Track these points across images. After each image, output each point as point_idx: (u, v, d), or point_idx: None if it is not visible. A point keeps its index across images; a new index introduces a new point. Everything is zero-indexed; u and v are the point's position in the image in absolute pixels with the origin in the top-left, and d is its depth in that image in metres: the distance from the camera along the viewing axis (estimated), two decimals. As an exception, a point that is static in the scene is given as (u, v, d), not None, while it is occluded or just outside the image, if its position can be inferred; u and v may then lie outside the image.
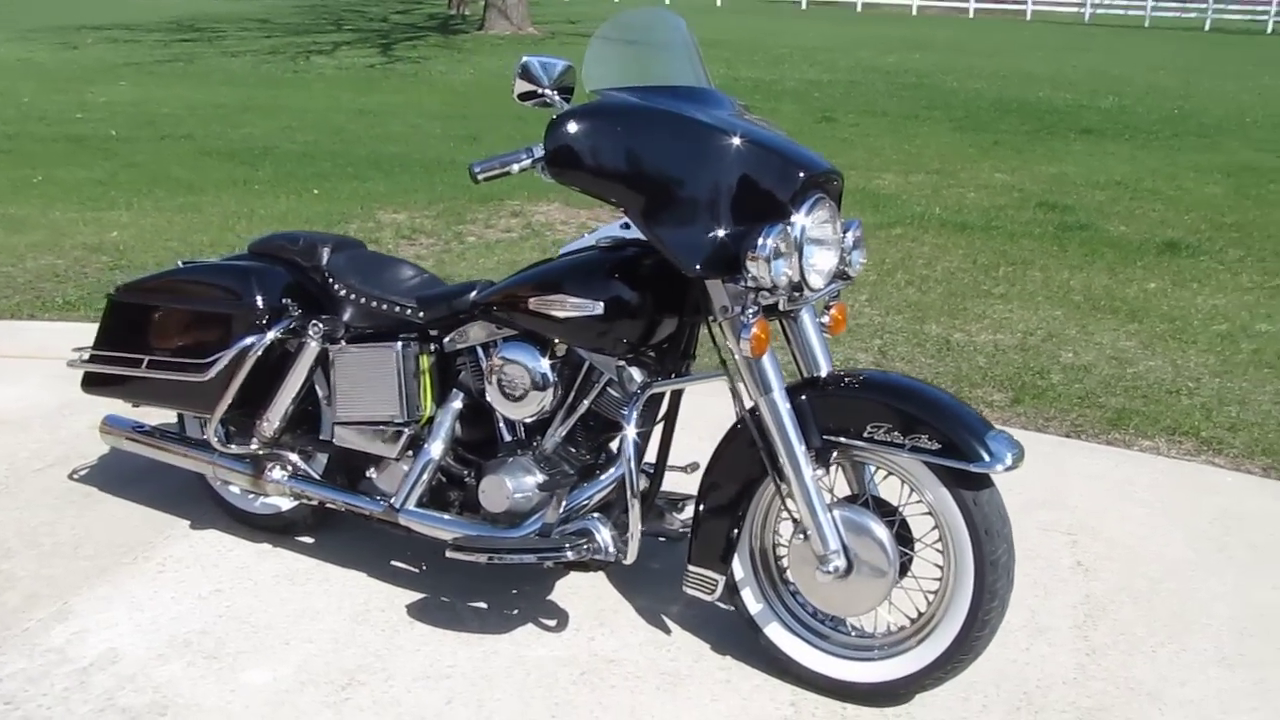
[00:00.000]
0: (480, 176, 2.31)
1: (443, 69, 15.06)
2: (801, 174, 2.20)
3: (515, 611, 2.76)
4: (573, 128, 2.27)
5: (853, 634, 2.48)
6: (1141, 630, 2.73)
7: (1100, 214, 7.57)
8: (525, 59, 2.31)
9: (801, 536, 2.33)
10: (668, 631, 2.68)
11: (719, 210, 2.20)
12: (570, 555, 2.41)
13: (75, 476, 3.43)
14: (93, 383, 3.08)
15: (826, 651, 2.45)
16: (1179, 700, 2.47)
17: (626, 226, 2.45)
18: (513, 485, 2.52)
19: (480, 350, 2.63)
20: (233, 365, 2.76)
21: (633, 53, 2.46)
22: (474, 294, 2.64)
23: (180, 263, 3.08)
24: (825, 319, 2.44)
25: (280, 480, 2.85)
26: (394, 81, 13.72)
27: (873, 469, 2.41)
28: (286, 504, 2.99)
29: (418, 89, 13.02)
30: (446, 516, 2.64)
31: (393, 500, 2.67)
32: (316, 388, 2.87)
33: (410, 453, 2.71)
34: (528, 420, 2.55)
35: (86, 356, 3.04)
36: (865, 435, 2.25)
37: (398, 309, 2.71)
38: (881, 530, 2.29)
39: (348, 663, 2.54)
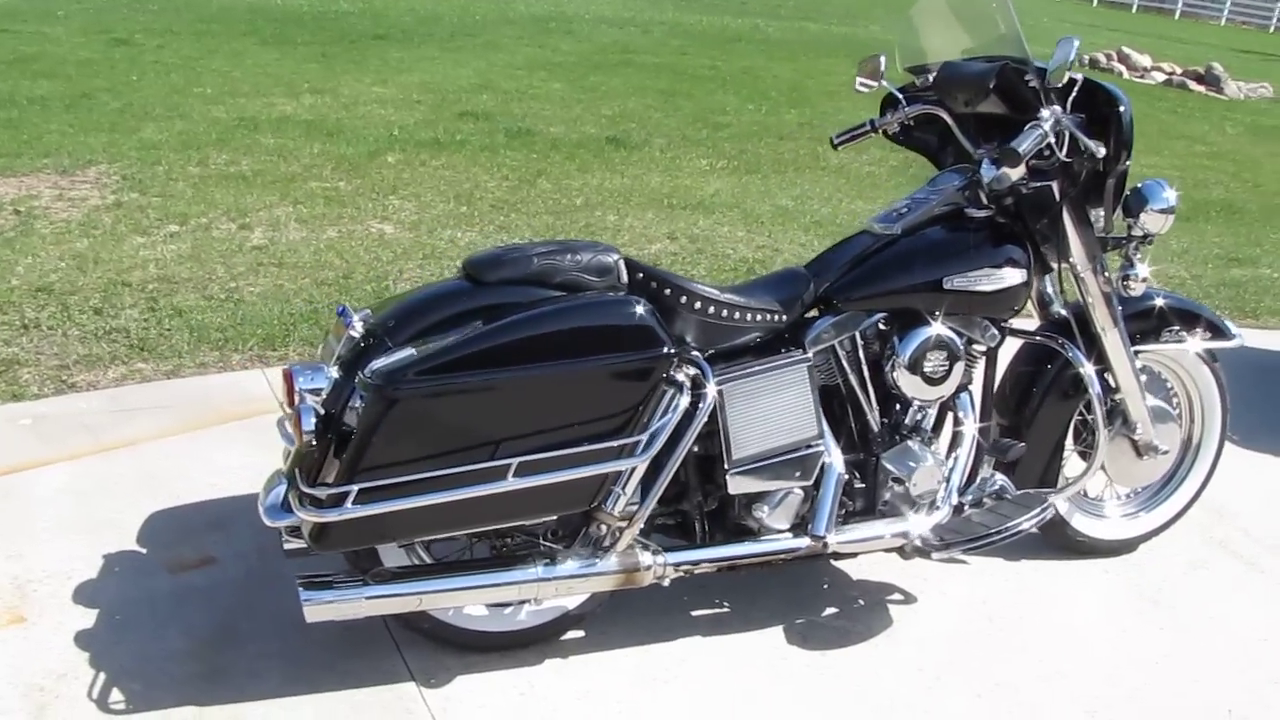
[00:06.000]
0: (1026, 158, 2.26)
1: None
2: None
3: (861, 603, 2.70)
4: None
5: (1119, 501, 3.02)
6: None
7: (516, 117, 8.14)
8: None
9: (1129, 433, 2.77)
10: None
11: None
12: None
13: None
14: (349, 533, 2.01)
15: (1112, 519, 2.99)
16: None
17: (968, 195, 2.52)
18: (935, 467, 2.51)
19: (838, 344, 2.46)
20: (674, 437, 2.19)
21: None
22: (811, 286, 2.46)
23: (341, 314, 2.11)
24: None
25: (662, 563, 2.30)
26: None
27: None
28: (574, 602, 2.41)
29: None
30: (876, 526, 2.50)
31: (812, 530, 2.41)
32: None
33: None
34: (931, 400, 2.51)
35: (355, 493, 1.96)
36: (1163, 339, 2.78)
37: (766, 316, 2.37)
38: (1172, 410, 2.87)
39: None
